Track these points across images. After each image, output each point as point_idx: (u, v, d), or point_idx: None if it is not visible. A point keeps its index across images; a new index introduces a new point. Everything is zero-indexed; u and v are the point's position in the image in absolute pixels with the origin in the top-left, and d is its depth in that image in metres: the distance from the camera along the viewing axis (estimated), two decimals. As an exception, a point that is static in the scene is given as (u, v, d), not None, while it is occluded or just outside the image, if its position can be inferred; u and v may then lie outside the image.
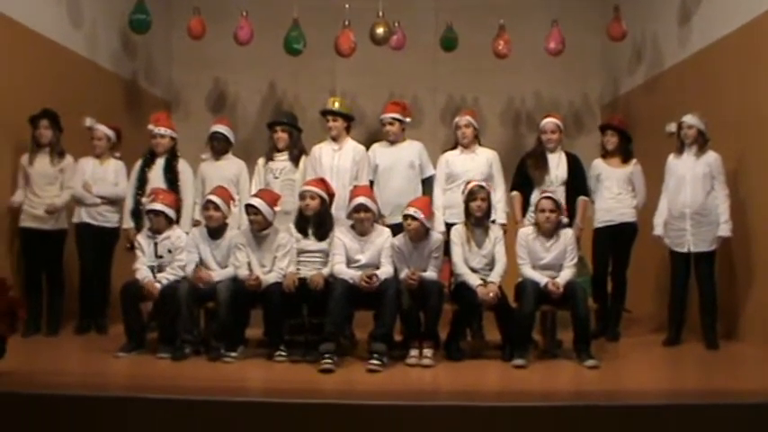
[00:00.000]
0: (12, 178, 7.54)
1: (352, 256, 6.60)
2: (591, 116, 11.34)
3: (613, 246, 7.81)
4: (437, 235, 6.75)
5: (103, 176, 7.78)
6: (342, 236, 6.65)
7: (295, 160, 7.48)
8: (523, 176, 7.47)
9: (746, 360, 6.96)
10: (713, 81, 8.19)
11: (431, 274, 6.55)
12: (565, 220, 6.90)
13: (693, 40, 8.71)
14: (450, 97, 11.28)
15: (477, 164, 7.36)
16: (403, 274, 6.53)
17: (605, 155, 7.91)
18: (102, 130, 7.87)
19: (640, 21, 9.95)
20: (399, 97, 10.15)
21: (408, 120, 7.53)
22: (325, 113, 7.57)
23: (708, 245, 7.23)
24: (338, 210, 7.02)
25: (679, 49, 9.04)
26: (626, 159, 7.83)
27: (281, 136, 7.50)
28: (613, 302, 7.86)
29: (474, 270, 6.64)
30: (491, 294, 6.39)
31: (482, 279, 6.53)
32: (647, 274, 8.23)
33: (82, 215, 7.73)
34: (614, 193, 7.77)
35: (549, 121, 7.55)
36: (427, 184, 7.44)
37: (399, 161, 7.40)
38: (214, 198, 6.75)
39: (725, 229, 7.19)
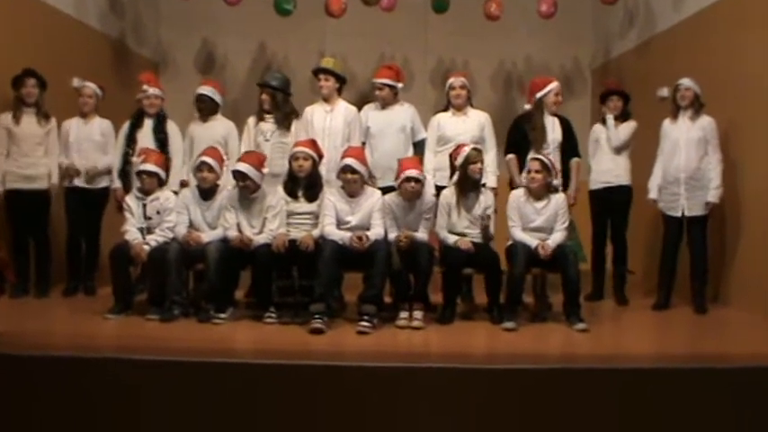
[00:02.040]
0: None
1: (342, 217, 6.57)
2: (582, 80, 11.35)
3: (611, 208, 7.85)
4: (430, 196, 6.74)
5: (89, 136, 7.68)
6: (332, 197, 6.61)
7: (279, 123, 7.40)
8: (519, 139, 7.38)
9: (734, 324, 6.99)
10: (705, 46, 8.15)
11: (421, 235, 6.55)
12: (556, 182, 6.89)
13: (687, 4, 8.65)
14: (440, 60, 11.22)
15: (468, 126, 7.30)
16: (393, 235, 6.52)
17: (604, 121, 7.95)
18: (92, 87, 7.76)
19: (633, -17, 9.89)
20: (390, 59, 10.13)
21: (401, 85, 7.44)
22: (318, 72, 7.50)
23: (701, 209, 7.24)
24: (329, 171, 6.99)
25: (672, 13, 8.98)
26: (624, 121, 7.86)
27: (264, 98, 7.45)
28: (616, 266, 7.90)
29: (462, 234, 6.63)
30: (467, 245, 6.46)
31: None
32: (636, 237, 8.23)
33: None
34: (611, 156, 7.83)
35: (557, 84, 7.45)
36: (419, 147, 7.38)
37: (391, 124, 7.33)
38: (208, 159, 6.70)
39: (714, 195, 7.19)
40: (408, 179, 6.53)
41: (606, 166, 7.85)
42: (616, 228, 7.89)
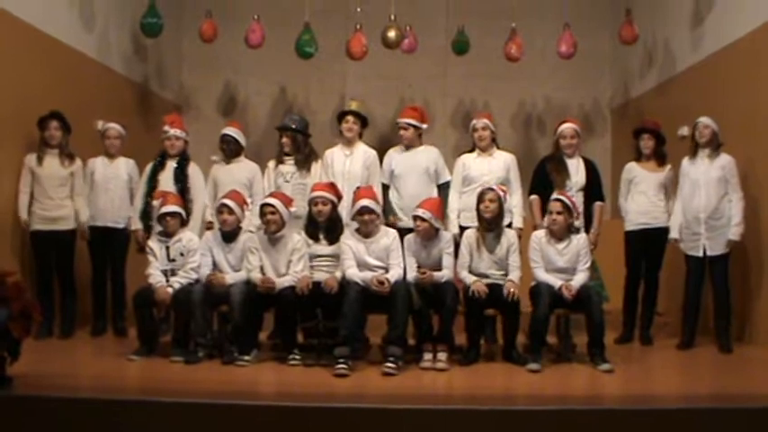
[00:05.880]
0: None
1: (359, 258, 6.59)
2: (601, 120, 11.39)
3: (646, 249, 7.79)
4: (447, 234, 6.76)
5: (116, 174, 7.77)
6: (348, 240, 6.64)
7: (300, 165, 7.46)
8: (542, 180, 7.41)
9: (759, 363, 6.95)
10: (725, 85, 8.18)
11: (445, 273, 6.55)
12: (577, 223, 6.90)
13: (706, 44, 8.70)
14: (460, 101, 11.30)
15: (494, 167, 7.31)
16: (413, 274, 6.53)
17: (639, 158, 7.91)
18: (117, 128, 7.86)
19: (652, 24, 9.95)
20: (410, 101, 10.18)
21: (425, 126, 7.49)
22: (345, 114, 7.56)
23: (722, 248, 7.23)
24: (349, 215, 7.03)
25: (691, 53, 9.03)
26: (661, 163, 7.81)
27: (285, 141, 7.51)
28: (645, 306, 7.84)
29: (485, 275, 6.63)
30: (482, 289, 6.43)
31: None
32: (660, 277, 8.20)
33: (95, 218, 7.70)
34: (650, 197, 7.76)
35: (568, 127, 7.48)
36: (442, 189, 7.39)
37: (415, 167, 7.35)
38: (228, 202, 6.74)
39: (735, 233, 7.19)
40: (361, 211, 6.58)
41: (645, 207, 7.76)
42: (650, 269, 7.83)
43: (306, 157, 7.53)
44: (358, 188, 6.96)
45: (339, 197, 6.87)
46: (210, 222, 7.39)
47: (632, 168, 7.92)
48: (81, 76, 8.51)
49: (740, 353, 7.16)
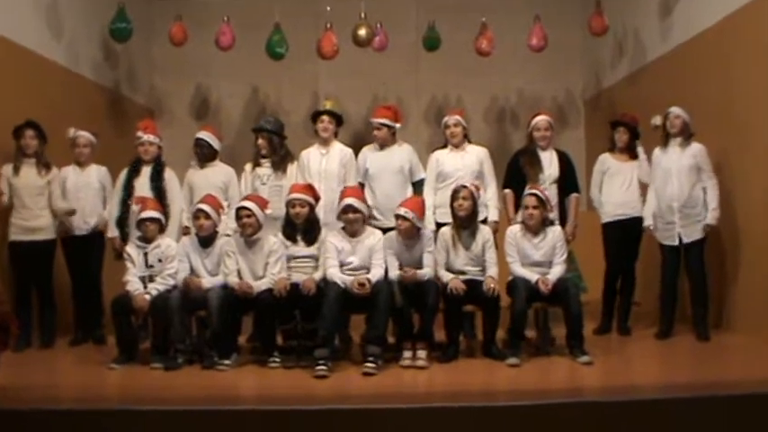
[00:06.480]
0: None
1: (343, 258, 6.60)
2: (575, 111, 11.44)
3: (624, 240, 7.82)
4: (428, 233, 6.76)
5: (87, 182, 7.71)
6: (333, 239, 6.64)
7: (276, 166, 7.46)
8: (515, 174, 7.44)
9: (737, 350, 7.01)
10: (695, 74, 8.24)
11: (427, 271, 6.56)
12: (552, 216, 6.93)
13: (675, 34, 8.76)
14: (433, 97, 11.32)
15: (467, 162, 7.33)
16: (395, 273, 6.54)
17: (612, 149, 7.95)
18: (87, 136, 7.77)
19: (621, 15, 10.00)
20: (383, 99, 10.20)
21: (399, 125, 7.50)
22: (320, 114, 7.57)
23: (698, 234, 7.29)
24: (327, 214, 7.05)
25: (661, 43, 9.09)
26: (634, 155, 7.84)
27: (262, 143, 7.51)
28: (623, 297, 7.88)
29: (461, 272, 6.65)
30: (460, 286, 6.44)
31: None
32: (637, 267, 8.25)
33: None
34: (625, 188, 7.80)
35: (541, 119, 7.51)
36: (417, 187, 7.40)
37: (389, 165, 7.37)
38: (204, 206, 6.72)
39: (712, 217, 7.25)
40: (345, 210, 6.60)
41: (620, 198, 7.79)
42: (627, 260, 7.87)
43: (282, 158, 7.52)
44: (345, 188, 6.97)
45: (317, 199, 6.87)
46: (187, 227, 7.37)
47: (606, 159, 7.95)
48: (51, 84, 8.45)
49: (718, 340, 7.22)
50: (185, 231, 7.35)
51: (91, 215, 7.68)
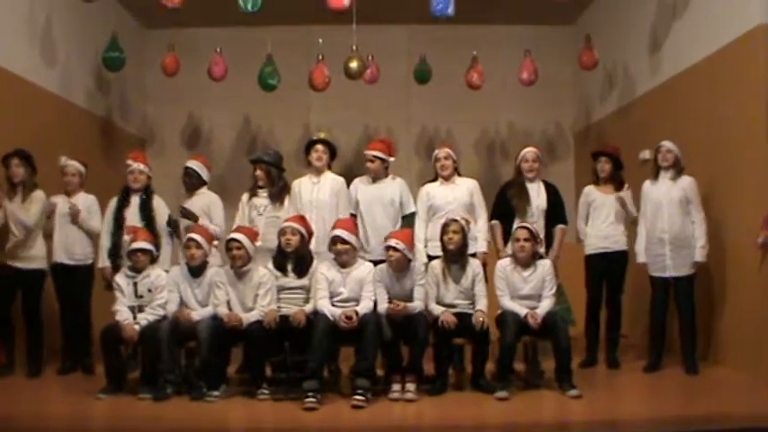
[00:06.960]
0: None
1: (334, 289, 6.60)
2: (565, 144, 11.51)
3: (607, 273, 7.83)
4: (419, 265, 6.76)
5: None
6: (325, 270, 6.65)
7: (274, 198, 7.48)
8: (503, 206, 7.49)
9: (726, 384, 7.01)
10: (684, 108, 8.31)
11: (417, 304, 6.57)
12: (541, 250, 6.95)
13: (664, 69, 8.84)
14: (424, 129, 11.40)
15: (458, 194, 7.36)
16: (384, 306, 6.54)
17: (597, 181, 7.97)
18: (75, 165, 7.77)
19: (611, 50, 10.09)
20: (374, 130, 10.26)
21: (392, 159, 7.51)
22: (314, 143, 7.59)
23: (687, 269, 7.32)
24: (318, 244, 7.04)
25: (650, 77, 9.17)
26: (618, 186, 7.86)
27: (259, 174, 7.53)
28: (610, 330, 7.86)
29: (451, 305, 6.66)
30: (452, 320, 6.44)
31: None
32: (624, 299, 8.27)
33: (58, 255, 7.63)
34: (609, 221, 7.81)
35: (529, 150, 7.58)
36: (407, 220, 7.38)
37: (380, 198, 7.38)
38: (195, 236, 6.73)
39: (700, 254, 7.28)
40: (334, 240, 6.62)
41: (604, 231, 7.80)
42: (612, 292, 7.87)
43: (279, 190, 7.55)
44: (338, 219, 6.98)
45: (310, 233, 6.87)
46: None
47: (590, 192, 7.97)
48: (43, 112, 8.47)
49: (706, 373, 7.23)
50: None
51: (79, 245, 7.64)
